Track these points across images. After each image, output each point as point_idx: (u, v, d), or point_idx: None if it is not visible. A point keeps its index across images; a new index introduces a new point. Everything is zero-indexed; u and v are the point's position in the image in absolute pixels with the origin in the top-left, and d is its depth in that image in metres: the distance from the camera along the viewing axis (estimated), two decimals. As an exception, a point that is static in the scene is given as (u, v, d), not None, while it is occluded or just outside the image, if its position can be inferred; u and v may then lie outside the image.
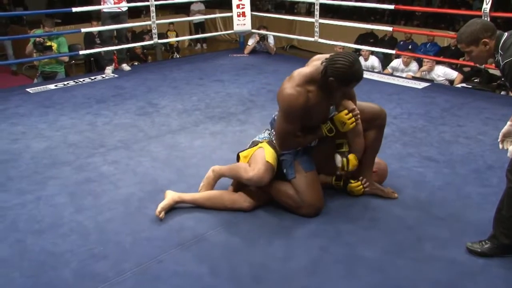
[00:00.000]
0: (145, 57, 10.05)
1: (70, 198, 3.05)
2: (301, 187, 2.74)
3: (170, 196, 2.83)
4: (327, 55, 2.61)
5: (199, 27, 13.51)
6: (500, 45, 2.25)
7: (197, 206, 2.86)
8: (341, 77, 2.51)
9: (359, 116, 2.73)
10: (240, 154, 2.97)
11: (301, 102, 2.58)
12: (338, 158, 2.81)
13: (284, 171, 2.82)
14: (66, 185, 3.23)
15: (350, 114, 2.69)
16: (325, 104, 2.72)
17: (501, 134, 2.41)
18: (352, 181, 2.94)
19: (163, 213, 2.75)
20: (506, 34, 2.26)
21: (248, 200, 2.85)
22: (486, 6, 4.99)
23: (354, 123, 2.71)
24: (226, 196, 2.89)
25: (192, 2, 12.16)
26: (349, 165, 2.79)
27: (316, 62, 2.65)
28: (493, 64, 2.25)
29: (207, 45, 13.76)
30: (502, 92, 5.81)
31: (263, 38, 7.36)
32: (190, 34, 13.21)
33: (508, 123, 2.40)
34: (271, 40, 7.51)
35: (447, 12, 10.84)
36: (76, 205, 2.95)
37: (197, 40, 13.61)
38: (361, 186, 2.94)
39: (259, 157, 2.80)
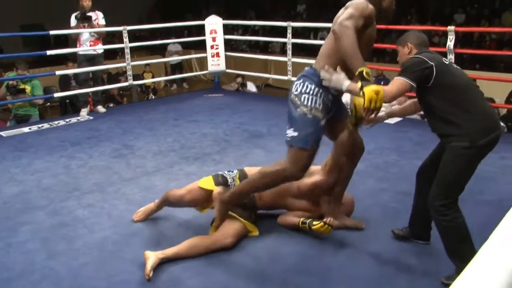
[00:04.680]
0: (120, 98, 10.08)
1: (43, 243, 2.99)
2: (305, 161, 2.57)
3: (153, 255, 2.66)
4: None
5: (176, 67, 13.68)
6: (418, 53, 2.56)
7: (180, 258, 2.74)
8: None
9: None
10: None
11: (371, 8, 2.51)
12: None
13: (297, 133, 2.55)
14: (39, 230, 3.18)
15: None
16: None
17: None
18: (315, 223, 2.91)
19: (152, 272, 2.60)
20: (425, 51, 2.58)
21: (229, 236, 2.85)
22: (450, 43, 5.20)
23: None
24: (206, 239, 2.87)
25: (168, 43, 12.34)
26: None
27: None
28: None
29: (185, 85, 13.96)
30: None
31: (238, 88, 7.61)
32: (166, 75, 13.34)
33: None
34: (251, 88, 7.71)
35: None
36: (49, 251, 2.90)
37: (173, 80, 13.74)
38: (327, 225, 2.87)
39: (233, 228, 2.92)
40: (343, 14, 2.45)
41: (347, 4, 2.53)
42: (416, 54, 2.56)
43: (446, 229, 2.48)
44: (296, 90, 2.59)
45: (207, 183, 3.01)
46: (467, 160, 2.42)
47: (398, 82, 2.43)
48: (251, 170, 3.12)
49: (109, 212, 3.43)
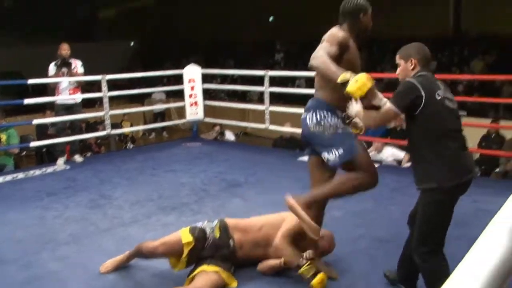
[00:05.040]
0: (98, 147, 10.03)
1: (15, 299, 2.92)
2: (367, 161, 2.78)
3: None
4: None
5: (159, 116, 13.79)
6: (416, 76, 2.51)
7: None
8: (364, 6, 2.80)
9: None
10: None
11: (342, 34, 2.72)
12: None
13: (341, 149, 2.70)
14: (10, 285, 3.09)
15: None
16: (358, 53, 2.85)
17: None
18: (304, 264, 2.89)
19: None
20: (427, 73, 2.54)
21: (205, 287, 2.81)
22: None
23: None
24: None
25: (152, 92, 12.49)
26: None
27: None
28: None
29: (165, 133, 14.04)
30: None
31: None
32: (145, 123, 13.38)
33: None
34: (229, 136, 7.79)
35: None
36: (21, 307, 2.82)
37: (153, 129, 13.80)
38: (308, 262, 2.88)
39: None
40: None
41: (323, 38, 2.75)
42: (418, 73, 2.53)
43: (430, 276, 2.48)
44: (313, 121, 2.75)
45: (184, 235, 3.00)
46: (438, 204, 2.46)
47: (386, 108, 2.44)
48: (231, 221, 3.14)
49: (84, 264, 3.37)
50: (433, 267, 2.44)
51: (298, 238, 3.09)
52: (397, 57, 2.64)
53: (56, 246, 3.69)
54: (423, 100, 2.41)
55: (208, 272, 2.90)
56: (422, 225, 2.51)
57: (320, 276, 2.78)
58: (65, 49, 6.31)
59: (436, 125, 2.45)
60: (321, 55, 2.56)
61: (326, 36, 2.75)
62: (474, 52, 13.22)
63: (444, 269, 2.45)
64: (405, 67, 2.59)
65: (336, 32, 2.74)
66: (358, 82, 2.36)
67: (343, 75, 2.41)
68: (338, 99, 2.66)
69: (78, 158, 6.50)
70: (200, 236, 3.01)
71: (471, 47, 13.47)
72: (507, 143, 8.19)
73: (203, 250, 2.98)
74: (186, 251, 2.94)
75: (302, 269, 2.86)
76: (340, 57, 2.66)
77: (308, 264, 2.86)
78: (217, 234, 3.04)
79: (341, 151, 2.68)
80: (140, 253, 3.09)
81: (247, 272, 3.12)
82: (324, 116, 2.75)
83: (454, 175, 2.43)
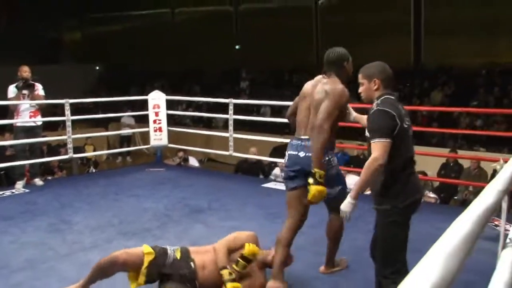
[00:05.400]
0: (60, 170, 9.85)
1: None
2: None
3: None
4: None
5: (125, 140, 13.70)
6: (381, 98, 2.54)
7: None
8: (346, 55, 3.07)
9: None
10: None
11: (347, 94, 3.02)
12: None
13: (339, 188, 3.23)
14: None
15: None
16: None
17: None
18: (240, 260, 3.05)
19: None
20: (391, 97, 2.56)
21: None
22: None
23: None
24: None
25: (121, 116, 12.41)
26: None
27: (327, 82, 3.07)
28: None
29: (128, 158, 13.93)
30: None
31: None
32: (108, 148, 13.23)
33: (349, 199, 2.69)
34: (193, 162, 7.79)
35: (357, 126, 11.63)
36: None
37: (119, 153, 13.70)
38: (250, 245, 3.09)
39: None
40: (322, 109, 2.93)
41: (328, 88, 2.99)
42: (383, 95, 2.54)
43: None
44: (323, 160, 2.99)
45: (145, 248, 2.97)
46: (394, 225, 2.52)
47: (379, 145, 2.46)
48: (193, 248, 3.14)
49: (40, 291, 3.27)
50: None
51: (232, 249, 3.17)
52: (360, 76, 2.65)
53: (9, 273, 3.56)
54: (397, 128, 2.46)
55: None
56: (383, 247, 2.55)
57: (234, 285, 2.91)
58: (26, 71, 6.20)
59: (398, 153, 2.51)
60: (325, 131, 2.88)
61: (331, 92, 2.96)
62: (433, 84, 13.69)
63: None
64: (369, 87, 2.61)
65: (343, 92, 2.98)
66: (322, 193, 2.90)
67: (321, 173, 2.88)
68: (334, 137, 3.15)
69: (38, 181, 6.35)
70: (161, 252, 2.98)
71: (431, 79, 13.94)
72: (465, 172, 8.46)
73: (164, 266, 2.93)
74: (146, 262, 2.88)
75: (224, 271, 2.95)
76: (339, 111, 2.99)
77: (231, 273, 2.95)
78: (178, 255, 3.02)
79: (340, 188, 3.19)
80: (100, 270, 2.95)
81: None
82: (331, 157, 3.12)
83: (406, 196, 2.51)
